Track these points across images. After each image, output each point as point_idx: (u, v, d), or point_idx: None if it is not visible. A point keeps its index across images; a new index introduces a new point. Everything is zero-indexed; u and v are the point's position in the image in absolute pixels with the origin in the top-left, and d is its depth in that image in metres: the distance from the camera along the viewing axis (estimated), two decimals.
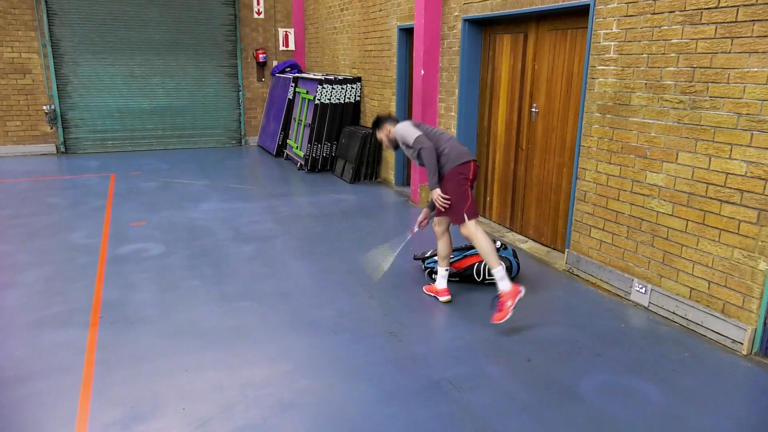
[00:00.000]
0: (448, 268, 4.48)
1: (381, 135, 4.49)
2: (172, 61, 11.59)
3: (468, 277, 4.81)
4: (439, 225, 4.38)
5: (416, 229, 4.64)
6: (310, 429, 2.96)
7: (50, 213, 6.93)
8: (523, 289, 3.91)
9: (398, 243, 4.85)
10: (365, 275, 5.01)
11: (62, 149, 11.16)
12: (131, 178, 8.98)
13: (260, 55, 12.01)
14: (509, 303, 3.85)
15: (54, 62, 10.77)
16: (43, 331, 3.96)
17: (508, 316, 3.84)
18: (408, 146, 4.23)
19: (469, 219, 4.07)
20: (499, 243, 4.97)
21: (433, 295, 4.53)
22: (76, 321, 4.11)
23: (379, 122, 4.51)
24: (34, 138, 10.95)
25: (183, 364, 3.56)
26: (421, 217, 4.59)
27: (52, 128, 10.99)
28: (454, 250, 4.94)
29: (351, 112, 9.55)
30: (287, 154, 10.62)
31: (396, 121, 4.46)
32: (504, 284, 3.91)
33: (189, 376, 3.43)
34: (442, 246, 4.42)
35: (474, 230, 4.06)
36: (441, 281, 4.48)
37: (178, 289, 4.70)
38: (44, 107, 10.79)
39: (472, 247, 4.94)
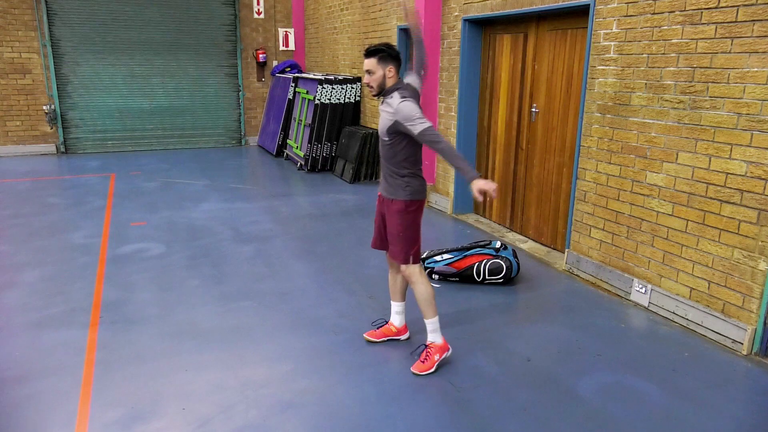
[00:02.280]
0: (402, 303, 3.83)
1: (378, 70, 3.32)
2: (172, 61, 11.59)
3: (468, 278, 4.81)
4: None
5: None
6: (310, 429, 2.96)
7: (50, 213, 6.93)
8: (450, 350, 3.60)
9: None
10: (365, 275, 5.01)
11: (62, 149, 11.16)
12: (131, 178, 8.98)
13: (260, 55, 12.01)
14: (437, 357, 3.49)
15: (54, 62, 10.77)
16: (43, 331, 3.96)
17: (431, 371, 3.46)
18: (405, 122, 3.21)
19: (414, 262, 3.49)
20: (499, 243, 4.97)
21: (386, 339, 3.86)
22: (76, 321, 4.11)
23: (385, 54, 3.33)
24: (35, 138, 10.95)
25: (183, 364, 3.56)
26: None
27: (52, 128, 10.99)
28: (454, 250, 4.94)
29: (351, 112, 9.55)
30: (287, 154, 10.62)
31: (400, 65, 3.41)
32: (437, 337, 3.53)
33: (189, 376, 3.43)
34: (401, 280, 3.75)
35: (419, 275, 3.49)
36: (397, 318, 3.85)
37: (178, 289, 4.70)
38: (44, 107, 10.79)
39: (472, 247, 4.95)
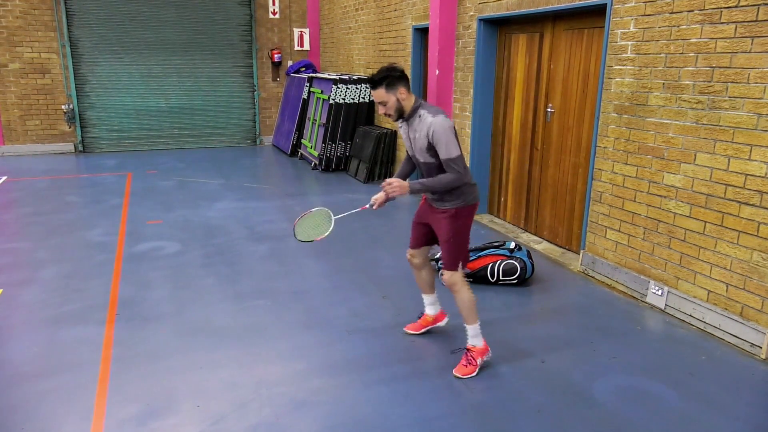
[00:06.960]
0: (433, 294, 3.92)
1: (390, 98, 3.23)
2: (189, 61, 11.69)
3: (482, 278, 4.79)
4: (416, 257, 3.76)
5: (367, 206, 3.65)
6: (322, 428, 2.97)
7: (68, 211, 7.02)
8: (491, 352, 3.58)
9: (346, 213, 3.79)
10: (378, 275, 5.01)
11: (80, 148, 11.30)
12: (148, 176, 9.06)
13: (275, 55, 12.07)
14: (479, 360, 3.48)
15: (73, 62, 10.91)
16: (60, 328, 4.01)
17: (474, 375, 3.44)
18: (435, 142, 3.19)
19: (463, 267, 3.50)
20: (513, 244, 4.95)
21: (426, 329, 3.98)
22: (93, 318, 4.16)
23: (391, 78, 3.21)
24: (53, 137, 11.11)
25: (197, 361, 3.58)
26: (380, 197, 3.50)
27: (70, 127, 11.13)
28: (468, 251, 4.92)
29: (365, 111, 9.56)
30: (301, 154, 10.66)
31: (408, 82, 3.30)
32: (478, 340, 3.52)
33: (203, 373, 3.45)
34: (426, 275, 3.85)
35: (461, 283, 3.48)
36: (431, 308, 3.95)
37: (193, 287, 4.74)
38: (63, 107, 10.94)
39: (486, 248, 4.93)
